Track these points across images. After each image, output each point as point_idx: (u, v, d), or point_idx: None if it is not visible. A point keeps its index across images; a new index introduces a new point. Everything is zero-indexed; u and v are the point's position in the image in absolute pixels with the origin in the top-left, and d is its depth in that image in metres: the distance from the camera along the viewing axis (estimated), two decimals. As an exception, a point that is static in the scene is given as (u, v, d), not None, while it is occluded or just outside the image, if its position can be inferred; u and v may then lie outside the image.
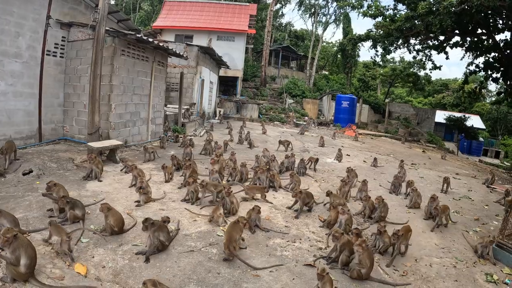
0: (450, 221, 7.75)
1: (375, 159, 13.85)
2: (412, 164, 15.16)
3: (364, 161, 14.52)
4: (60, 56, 11.17)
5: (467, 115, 34.14)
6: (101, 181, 8.17)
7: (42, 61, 10.37)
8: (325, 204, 8.07)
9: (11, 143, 8.46)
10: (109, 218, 5.62)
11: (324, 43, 52.96)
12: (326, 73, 49.24)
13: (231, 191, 7.09)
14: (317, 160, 11.87)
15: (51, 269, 4.54)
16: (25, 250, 4.12)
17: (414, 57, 23.70)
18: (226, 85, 32.91)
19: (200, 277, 4.72)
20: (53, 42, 10.76)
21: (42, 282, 4.19)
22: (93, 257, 4.96)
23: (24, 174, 7.86)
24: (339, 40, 48.21)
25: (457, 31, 17.82)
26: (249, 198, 7.92)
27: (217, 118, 24.75)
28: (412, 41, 21.68)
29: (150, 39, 11.93)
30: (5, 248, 4.06)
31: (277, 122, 25.93)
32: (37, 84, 10.34)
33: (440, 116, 34.64)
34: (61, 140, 11.43)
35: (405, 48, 23.19)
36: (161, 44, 12.92)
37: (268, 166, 9.86)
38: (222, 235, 6.01)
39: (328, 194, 7.84)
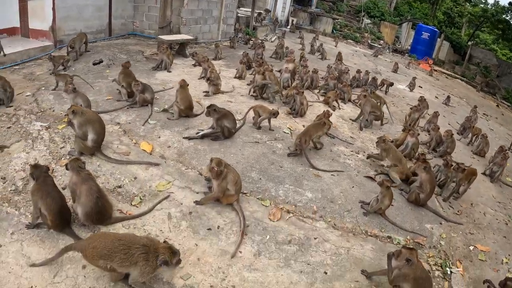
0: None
1: (448, 97, 13.01)
2: (484, 114, 14.14)
3: (436, 97, 13.71)
4: (132, -50, 10.88)
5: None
6: (170, 72, 8.35)
7: (113, -45, 10.12)
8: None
9: (82, 34, 8.62)
10: (179, 97, 5.80)
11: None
12: (410, -2, 44.90)
13: (302, 91, 6.99)
14: (391, 84, 11.37)
15: (118, 145, 4.89)
16: (93, 126, 4.37)
17: (510, 3, 20.77)
18: (302, -5, 31.09)
19: (263, 167, 4.89)
20: None
21: (108, 156, 4.52)
22: (159, 137, 5.25)
23: (94, 64, 8.14)
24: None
25: None
26: None
27: (289, 27, 23.84)
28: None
29: None
30: (73, 122, 4.34)
31: (351, 41, 24.59)
32: None
33: (524, 74, 31.07)
34: (131, 35, 11.59)
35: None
36: None
37: (339, 76, 9.64)
38: (288, 133, 6.12)
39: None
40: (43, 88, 6.54)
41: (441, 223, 4.81)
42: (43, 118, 5.40)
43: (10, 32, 9.12)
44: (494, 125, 12.92)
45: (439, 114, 8.65)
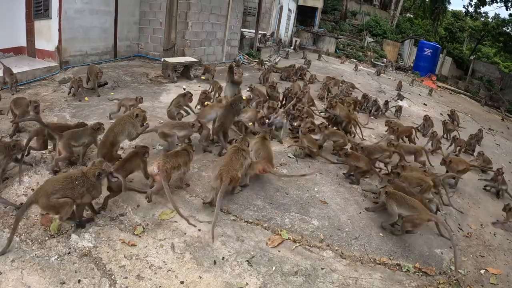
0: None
1: (452, 112, 12.95)
2: (489, 129, 14.04)
3: (441, 113, 13.67)
4: (137, -25, 11.16)
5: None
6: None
7: (118, -21, 10.36)
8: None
9: (93, 67, 8.19)
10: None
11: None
12: (411, 16, 45.38)
13: (306, 116, 6.95)
14: (400, 108, 11.29)
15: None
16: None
17: (511, 15, 20.99)
18: (304, 16, 31.49)
19: (268, 194, 4.82)
20: (129, -39, 10.68)
21: None
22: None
23: (99, 86, 8.15)
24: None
25: None
26: None
27: (292, 47, 24.11)
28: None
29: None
30: None
31: (354, 60, 24.80)
32: (113, 2, 10.45)
33: (527, 87, 30.92)
34: (136, 57, 11.79)
35: (502, 3, 20.66)
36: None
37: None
38: (293, 157, 6.08)
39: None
40: (47, 110, 6.58)
41: (450, 247, 4.69)
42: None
43: (17, 51, 9.34)
44: (500, 140, 12.78)
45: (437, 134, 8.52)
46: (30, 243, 3.42)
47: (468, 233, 5.22)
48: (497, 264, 4.70)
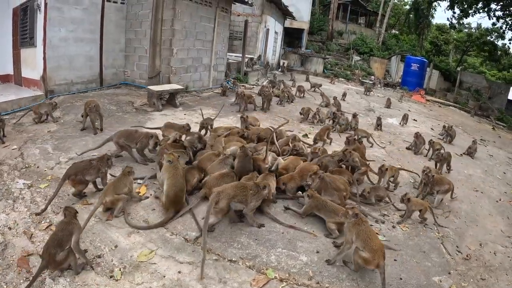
0: None
1: (444, 127, 12.88)
2: (481, 140, 13.97)
3: (431, 128, 13.61)
4: (121, 2, 11.18)
5: (545, 97, 30.46)
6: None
7: (102, 7, 10.39)
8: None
9: (93, 101, 7.58)
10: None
11: (396, 0, 49.41)
12: (396, 32, 46.20)
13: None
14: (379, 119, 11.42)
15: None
16: None
17: (494, 24, 21.43)
18: (291, 37, 32.00)
19: (253, 229, 4.56)
20: (113, -12, 10.70)
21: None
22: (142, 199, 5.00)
23: (83, 116, 8.03)
24: (414, -3, 44.51)
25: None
26: None
27: (280, 69, 24.25)
28: (493, 5, 19.42)
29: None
30: None
31: (342, 79, 24.96)
32: (98, 30, 10.43)
33: (515, 93, 31.24)
34: (122, 85, 11.71)
35: (485, 13, 21.08)
36: (225, -12, 12.51)
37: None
38: None
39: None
40: (29, 141, 6.42)
41: (449, 273, 4.46)
42: (27, 175, 5.20)
43: (4, 79, 9.35)
44: (493, 150, 12.70)
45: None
46: (5, 286, 3.22)
47: (467, 255, 5.01)
48: (499, 286, 4.50)
